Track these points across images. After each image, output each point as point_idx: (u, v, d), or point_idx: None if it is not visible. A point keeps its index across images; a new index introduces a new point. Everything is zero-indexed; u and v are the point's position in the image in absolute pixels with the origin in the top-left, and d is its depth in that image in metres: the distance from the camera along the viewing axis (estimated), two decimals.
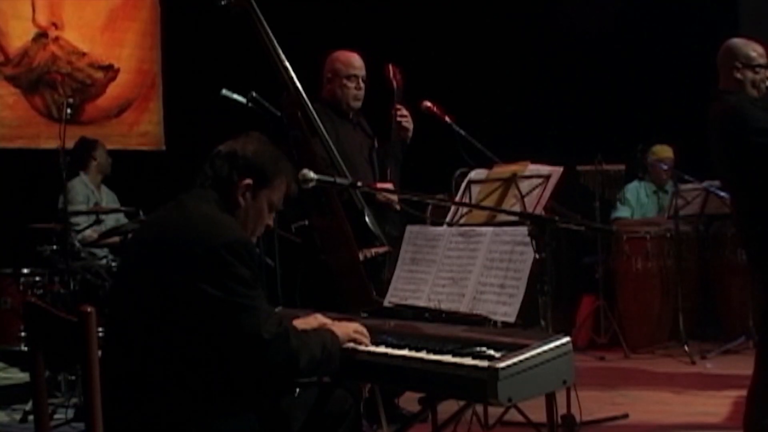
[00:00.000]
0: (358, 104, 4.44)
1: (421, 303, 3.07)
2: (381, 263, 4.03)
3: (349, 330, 2.67)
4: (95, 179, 6.07)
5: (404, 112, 4.50)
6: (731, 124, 3.61)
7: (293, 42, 4.24)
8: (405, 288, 3.18)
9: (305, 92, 4.05)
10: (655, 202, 7.05)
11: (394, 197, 4.30)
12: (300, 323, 2.68)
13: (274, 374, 2.44)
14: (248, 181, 2.57)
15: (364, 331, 2.70)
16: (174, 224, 2.50)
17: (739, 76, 3.73)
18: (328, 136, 4.08)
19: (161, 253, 2.43)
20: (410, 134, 4.54)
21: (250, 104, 3.87)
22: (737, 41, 3.82)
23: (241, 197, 2.57)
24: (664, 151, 6.79)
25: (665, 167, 6.61)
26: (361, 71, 4.42)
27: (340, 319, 2.82)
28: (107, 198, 6.13)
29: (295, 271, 4.19)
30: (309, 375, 2.53)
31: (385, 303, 3.22)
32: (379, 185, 4.33)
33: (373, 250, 4.03)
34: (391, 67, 4.65)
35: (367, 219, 4.03)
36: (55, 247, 5.18)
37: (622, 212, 6.99)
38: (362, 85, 4.42)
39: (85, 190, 5.96)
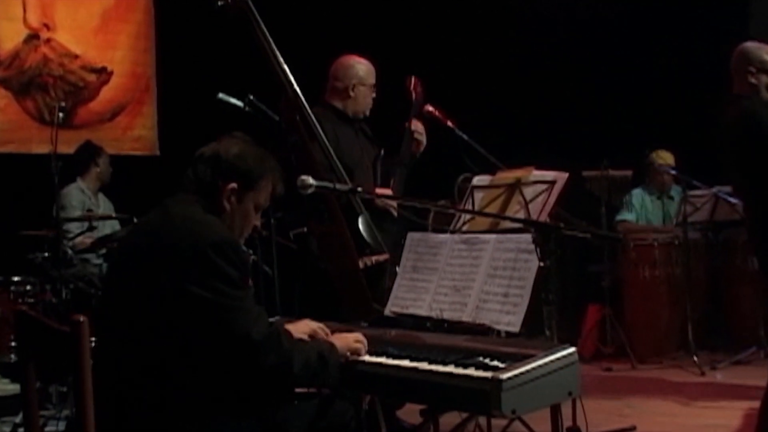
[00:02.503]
0: (368, 113, 4.46)
1: (423, 312, 3.07)
2: (381, 271, 4.03)
3: (348, 340, 2.68)
4: (93, 186, 6.07)
5: (420, 129, 4.51)
6: (746, 129, 3.63)
7: (291, 44, 4.24)
8: (406, 297, 3.18)
9: (304, 96, 4.06)
10: (660, 207, 7.07)
11: (394, 204, 4.30)
12: (291, 328, 2.69)
13: (266, 378, 2.44)
14: (233, 185, 2.59)
15: (364, 340, 2.71)
16: (159, 228, 2.52)
17: (753, 80, 3.75)
18: (327, 141, 4.08)
19: (147, 258, 2.45)
20: (421, 149, 4.56)
21: (247, 108, 3.88)
22: (751, 45, 3.84)
23: (227, 201, 2.60)
24: (665, 157, 6.79)
25: (672, 171, 6.61)
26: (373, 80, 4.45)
27: (339, 330, 2.83)
28: (104, 206, 6.13)
29: (293, 280, 4.19)
30: (305, 383, 2.53)
31: (386, 312, 3.23)
32: (379, 191, 4.33)
33: (374, 258, 4.03)
34: (413, 78, 4.65)
35: (360, 226, 4.02)
36: (46, 254, 5.18)
37: (627, 216, 6.99)
38: (374, 93, 4.45)
39: (81, 196, 5.96)
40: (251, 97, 3.87)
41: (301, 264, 4.18)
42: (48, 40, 6.90)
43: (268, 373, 2.42)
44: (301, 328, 2.76)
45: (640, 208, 7.03)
